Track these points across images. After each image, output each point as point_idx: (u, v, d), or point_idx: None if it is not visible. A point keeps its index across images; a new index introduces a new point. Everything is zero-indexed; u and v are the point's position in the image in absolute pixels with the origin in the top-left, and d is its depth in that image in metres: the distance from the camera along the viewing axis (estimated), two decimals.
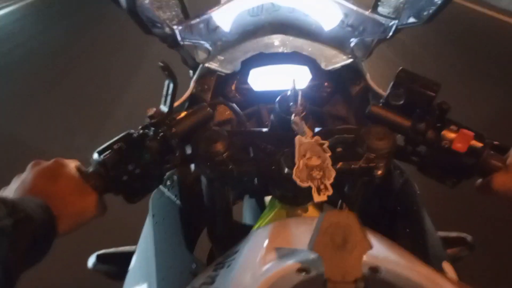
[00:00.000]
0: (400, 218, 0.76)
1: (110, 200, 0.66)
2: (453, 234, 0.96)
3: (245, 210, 1.16)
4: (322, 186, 0.46)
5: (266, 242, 0.49)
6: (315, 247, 0.35)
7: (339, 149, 0.64)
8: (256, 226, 0.72)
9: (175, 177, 0.86)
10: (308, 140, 0.52)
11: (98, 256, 0.92)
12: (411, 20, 0.72)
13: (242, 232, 0.70)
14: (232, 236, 0.77)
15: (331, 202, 0.95)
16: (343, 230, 0.35)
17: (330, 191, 0.46)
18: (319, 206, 0.69)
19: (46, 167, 0.59)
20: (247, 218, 1.13)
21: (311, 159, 0.49)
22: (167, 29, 0.76)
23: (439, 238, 0.78)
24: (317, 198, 0.46)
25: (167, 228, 0.78)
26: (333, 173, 0.48)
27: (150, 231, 0.78)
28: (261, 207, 0.88)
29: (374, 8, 0.82)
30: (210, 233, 0.83)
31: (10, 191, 0.57)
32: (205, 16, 0.80)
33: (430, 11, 0.66)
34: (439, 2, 0.64)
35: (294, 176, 0.47)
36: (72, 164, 0.62)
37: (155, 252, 0.74)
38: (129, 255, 0.83)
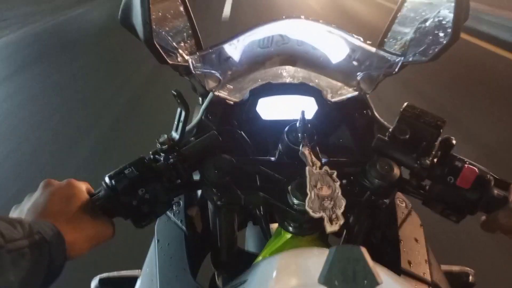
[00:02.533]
0: (404, 251, 0.76)
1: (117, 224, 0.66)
2: (456, 268, 0.96)
3: (249, 237, 1.16)
4: (334, 216, 0.47)
5: (275, 273, 0.49)
6: (325, 280, 0.36)
7: (345, 181, 0.64)
8: (262, 254, 0.72)
9: (181, 203, 0.87)
10: (318, 170, 0.53)
11: (101, 279, 0.92)
12: (417, 57, 0.74)
13: (246, 259, 0.70)
14: (235, 263, 0.77)
15: (335, 232, 0.95)
16: (353, 264, 0.36)
17: (342, 221, 0.47)
18: (325, 236, 0.69)
19: (58, 189, 0.60)
20: (250, 246, 1.12)
21: (322, 189, 0.50)
22: (180, 59, 0.78)
23: (443, 272, 0.78)
24: (329, 228, 0.47)
25: (171, 253, 0.78)
26: (343, 202, 0.49)
27: (154, 256, 0.78)
28: (265, 235, 0.88)
29: (381, 45, 0.84)
30: (213, 259, 0.83)
31: (23, 211, 0.57)
32: (217, 47, 0.82)
33: (436, 49, 0.68)
34: (445, 40, 0.66)
35: (306, 207, 0.48)
36: (83, 187, 0.63)
37: (159, 277, 0.74)
38: (133, 279, 0.83)
